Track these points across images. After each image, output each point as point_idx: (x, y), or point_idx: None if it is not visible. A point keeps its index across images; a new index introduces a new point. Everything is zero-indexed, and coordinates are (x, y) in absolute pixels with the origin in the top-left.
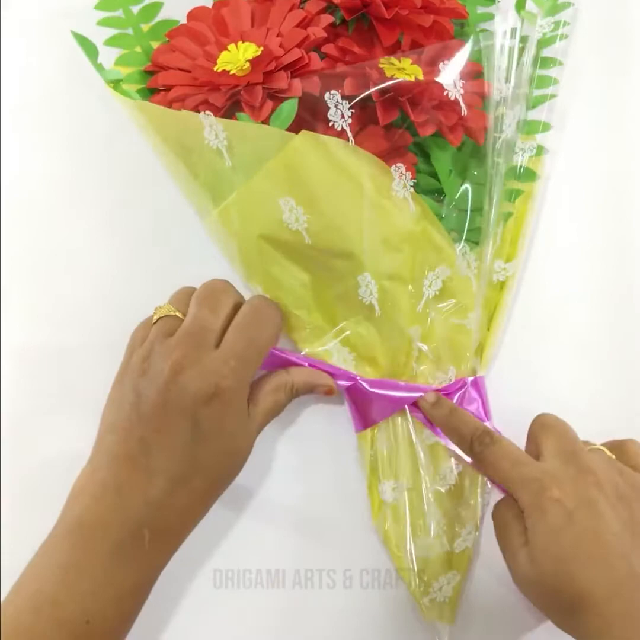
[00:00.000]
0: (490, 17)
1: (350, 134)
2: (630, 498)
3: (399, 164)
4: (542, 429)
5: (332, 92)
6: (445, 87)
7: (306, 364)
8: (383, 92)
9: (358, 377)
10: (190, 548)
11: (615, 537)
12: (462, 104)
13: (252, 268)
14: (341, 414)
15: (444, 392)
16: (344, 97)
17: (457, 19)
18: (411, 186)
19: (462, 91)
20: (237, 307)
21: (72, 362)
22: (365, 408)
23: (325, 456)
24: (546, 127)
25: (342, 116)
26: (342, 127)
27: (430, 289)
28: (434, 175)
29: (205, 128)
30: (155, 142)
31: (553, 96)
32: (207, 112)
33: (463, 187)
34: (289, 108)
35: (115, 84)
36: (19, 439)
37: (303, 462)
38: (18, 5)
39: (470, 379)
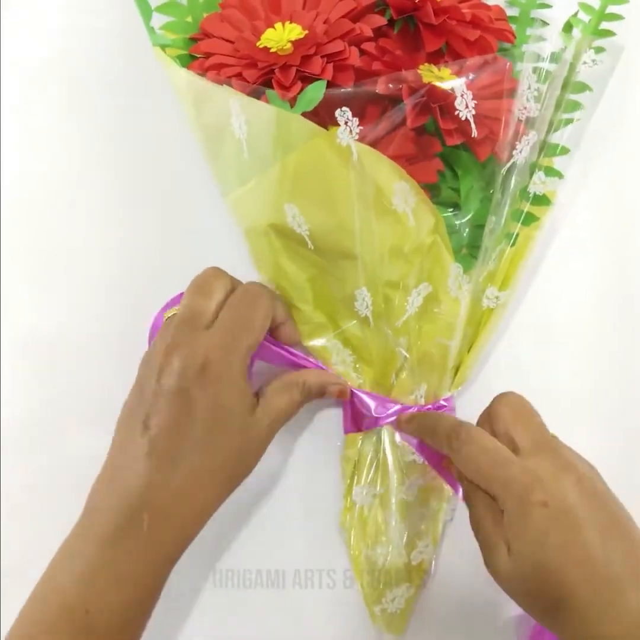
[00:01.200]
0: (530, 38)
1: (354, 152)
2: (604, 495)
3: (402, 182)
4: (512, 415)
5: (343, 109)
6: (456, 106)
7: (307, 362)
8: (415, 95)
9: (352, 388)
10: (190, 547)
11: (598, 539)
12: (473, 125)
13: (262, 257)
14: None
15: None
16: (354, 115)
17: (502, 41)
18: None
19: (473, 112)
20: (231, 292)
21: (72, 364)
22: (355, 412)
23: (325, 456)
24: (564, 151)
25: (351, 132)
26: (348, 144)
27: (412, 306)
28: (456, 189)
29: (233, 116)
30: (190, 114)
31: (570, 121)
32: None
33: (479, 204)
34: (314, 91)
35: (162, 48)
36: (22, 435)
37: (303, 462)
38: (18, 4)
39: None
